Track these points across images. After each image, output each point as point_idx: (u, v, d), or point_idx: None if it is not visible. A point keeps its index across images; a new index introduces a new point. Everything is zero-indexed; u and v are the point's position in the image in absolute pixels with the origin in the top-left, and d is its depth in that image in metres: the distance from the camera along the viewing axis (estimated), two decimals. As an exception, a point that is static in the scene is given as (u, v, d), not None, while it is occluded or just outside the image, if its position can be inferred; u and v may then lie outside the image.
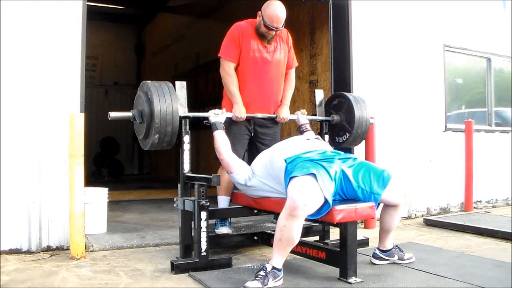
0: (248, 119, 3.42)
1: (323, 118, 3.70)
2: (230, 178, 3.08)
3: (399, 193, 2.79)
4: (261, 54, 3.38)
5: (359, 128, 3.59)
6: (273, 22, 3.26)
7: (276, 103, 3.53)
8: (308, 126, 3.46)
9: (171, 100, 2.84)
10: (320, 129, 3.75)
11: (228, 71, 3.38)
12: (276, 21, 3.26)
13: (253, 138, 3.50)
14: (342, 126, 3.66)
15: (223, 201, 3.43)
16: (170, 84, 2.95)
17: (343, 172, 2.71)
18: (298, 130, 3.48)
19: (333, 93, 4.29)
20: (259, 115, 3.42)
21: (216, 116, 3.17)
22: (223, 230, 3.30)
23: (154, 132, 2.81)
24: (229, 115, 3.26)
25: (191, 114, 3.11)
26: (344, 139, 3.68)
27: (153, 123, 2.80)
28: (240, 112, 3.33)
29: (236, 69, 3.41)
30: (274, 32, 3.33)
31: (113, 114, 2.92)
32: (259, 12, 3.33)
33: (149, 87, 2.87)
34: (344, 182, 2.71)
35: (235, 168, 2.98)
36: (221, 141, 3.06)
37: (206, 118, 3.19)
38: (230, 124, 3.38)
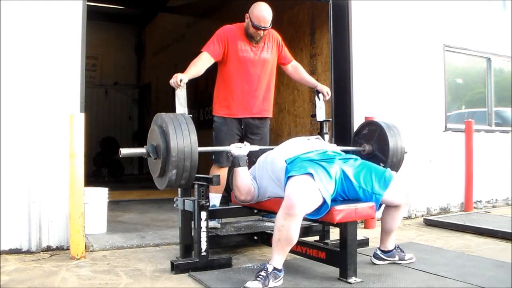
0: (240, 119, 3.46)
1: (354, 148, 3.44)
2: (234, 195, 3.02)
3: (401, 194, 2.78)
4: (248, 54, 3.50)
5: (394, 156, 3.29)
6: (260, 22, 3.38)
7: (265, 100, 3.61)
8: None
9: (189, 131, 2.58)
10: (320, 128, 3.74)
11: (199, 57, 3.37)
12: (263, 21, 3.38)
13: (243, 138, 3.56)
14: (375, 156, 3.37)
15: (214, 198, 3.46)
16: (187, 115, 2.74)
17: (343, 172, 2.70)
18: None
19: (333, 93, 4.27)
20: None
21: (239, 149, 2.90)
22: (211, 224, 3.29)
23: (171, 167, 2.55)
24: (253, 148, 3.01)
25: (210, 148, 3.05)
26: None
27: (170, 157, 2.54)
28: (176, 76, 3.06)
29: (224, 69, 3.52)
30: (262, 32, 3.44)
31: (124, 151, 2.66)
32: (247, 14, 3.45)
33: (163, 119, 2.64)
34: (345, 182, 2.70)
35: (248, 198, 2.91)
36: (243, 179, 2.85)
37: (224, 151, 3.02)
38: (221, 125, 3.44)
